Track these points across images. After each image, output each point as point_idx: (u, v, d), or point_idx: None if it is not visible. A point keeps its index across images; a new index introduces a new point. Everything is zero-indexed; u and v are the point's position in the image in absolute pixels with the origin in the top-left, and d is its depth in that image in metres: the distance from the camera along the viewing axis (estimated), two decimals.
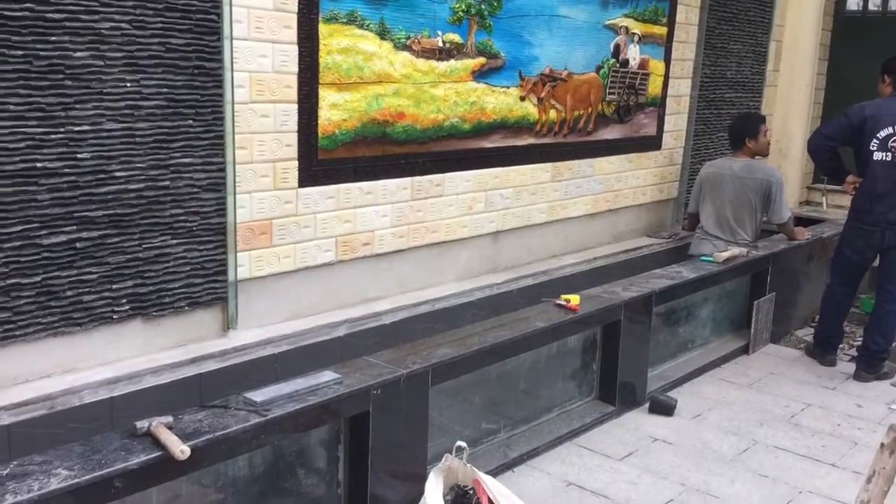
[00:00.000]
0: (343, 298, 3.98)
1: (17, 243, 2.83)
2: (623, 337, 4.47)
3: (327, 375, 3.15)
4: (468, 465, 3.06)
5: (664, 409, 4.56)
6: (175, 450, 2.51)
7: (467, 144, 4.45)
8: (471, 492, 3.02)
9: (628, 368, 4.53)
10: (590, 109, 5.22)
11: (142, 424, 2.61)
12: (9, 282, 2.83)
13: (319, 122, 3.70)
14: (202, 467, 2.74)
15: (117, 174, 3.05)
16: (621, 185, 5.66)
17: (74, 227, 2.96)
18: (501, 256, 4.88)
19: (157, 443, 2.55)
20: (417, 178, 4.23)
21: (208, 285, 3.41)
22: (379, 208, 4.07)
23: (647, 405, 4.62)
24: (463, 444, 3.03)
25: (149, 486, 2.62)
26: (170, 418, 2.67)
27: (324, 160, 3.76)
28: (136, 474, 2.48)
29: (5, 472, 2.34)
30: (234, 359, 3.42)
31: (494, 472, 3.44)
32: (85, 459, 2.45)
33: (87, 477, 2.37)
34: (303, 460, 3.28)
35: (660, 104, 5.79)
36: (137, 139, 3.08)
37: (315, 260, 3.83)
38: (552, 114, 4.94)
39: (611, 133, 5.44)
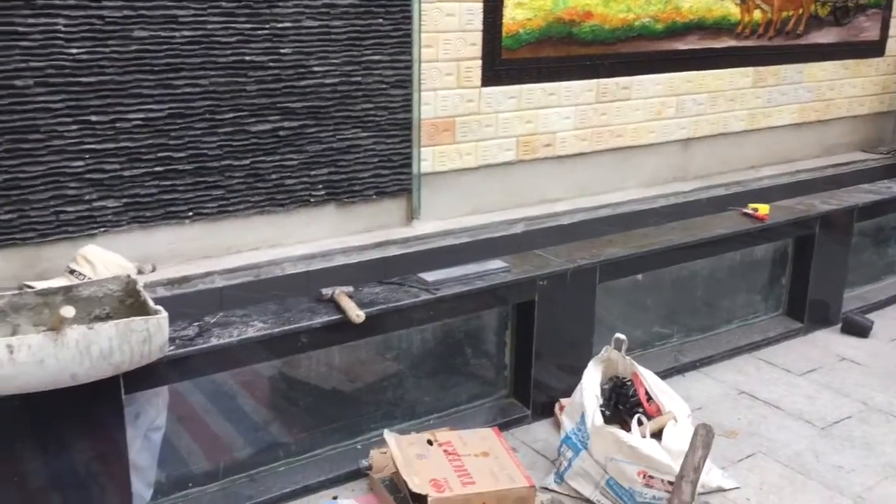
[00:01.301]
0: (522, 197, 4.10)
1: (230, 129, 3.21)
2: (817, 252, 4.25)
3: (496, 263, 3.33)
4: (627, 357, 3.13)
5: (858, 329, 4.33)
6: (352, 314, 2.81)
7: (659, 46, 4.34)
8: (628, 383, 3.10)
9: (821, 286, 4.32)
10: (800, 10, 4.86)
11: (326, 291, 2.95)
12: (223, 163, 3.23)
13: (504, 21, 3.78)
14: (375, 333, 3.04)
15: (315, 69, 3.33)
16: (834, 93, 5.25)
17: (278, 117, 3.30)
18: (691, 165, 4.76)
19: (338, 308, 2.87)
20: (603, 81, 4.21)
21: (394, 177, 3.67)
22: (561, 110, 4.11)
23: (839, 325, 4.40)
24: (622, 336, 3.10)
25: (329, 343, 2.97)
26: (350, 288, 2.98)
27: (507, 60, 3.85)
28: (319, 332, 2.82)
29: (213, 321, 2.75)
30: (416, 246, 3.67)
31: (663, 375, 3.48)
32: (277, 316, 2.82)
33: (277, 330, 2.74)
34: (472, 342, 3.52)
35: (884, 5, 5.24)
36: (333, 36, 3.34)
37: (496, 158, 3.97)
38: (756, 14, 4.66)
39: (824, 37, 5.04)
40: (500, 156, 3.98)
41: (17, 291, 2.47)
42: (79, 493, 2.44)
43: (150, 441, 2.74)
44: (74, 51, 2.81)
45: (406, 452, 2.84)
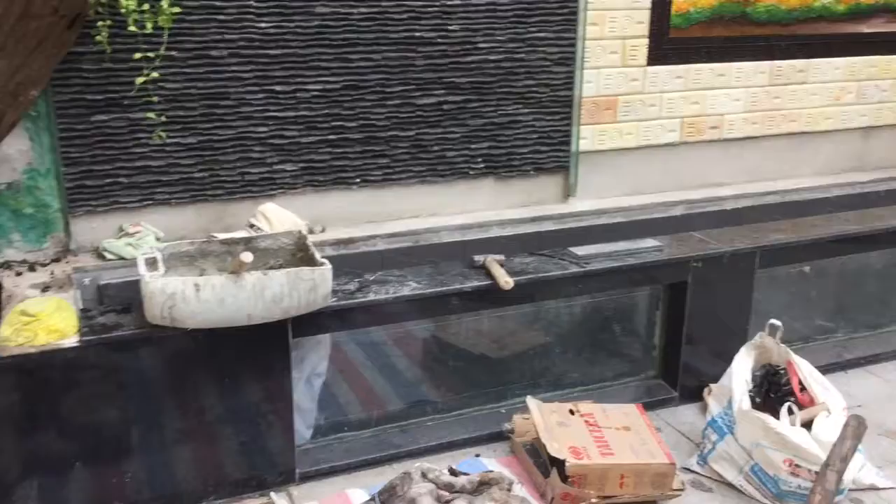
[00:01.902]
0: (683, 180, 4.04)
1: (398, 101, 3.39)
2: None
3: (648, 242, 3.32)
4: (782, 345, 3.04)
5: None
6: (501, 280, 2.92)
7: (840, 28, 4.12)
8: (782, 371, 3.02)
9: None
10: None
11: (478, 258, 3.07)
12: (390, 133, 3.42)
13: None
14: (523, 302, 3.14)
15: (481, 45, 3.45)
16: None
17: (443, 91, 3.45)
18: (871, 154, 4.49)
19: (488, 274, 2.98)
20: (777, 63, 4.06)
21: (552, 153, 3.73)
22: (731, 91, 4.01)
23: None
24: (777, 322, 3.02)
25: (478, 308, 3.10)
26: (502, 257, 3.08)
27: (675, 39, 3.80)
28: (469, 295, 2.94)
29: (372, 278, 2.94)
30: (570, 223, 3.72)
31: (823, 370, 3.34)
32: (431, 278, 2.97)
33: (430, 290, 2.89)
34: (621, 320, 3.54)
35: None
36: (499, 13, 3.44)
37: (658, 139, 3.94)
38: None
39: None
40: (663, 137, 3.95)
41: (205, 240, 2.76)
42: (248, 426, 2.70)
43: (312, 386, 2.98)
44: (264, 25, 3.08)
45: (547, 419, 2.91)
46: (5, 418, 2.36)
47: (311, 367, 2.93)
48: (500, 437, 3.09)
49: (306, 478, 2.81)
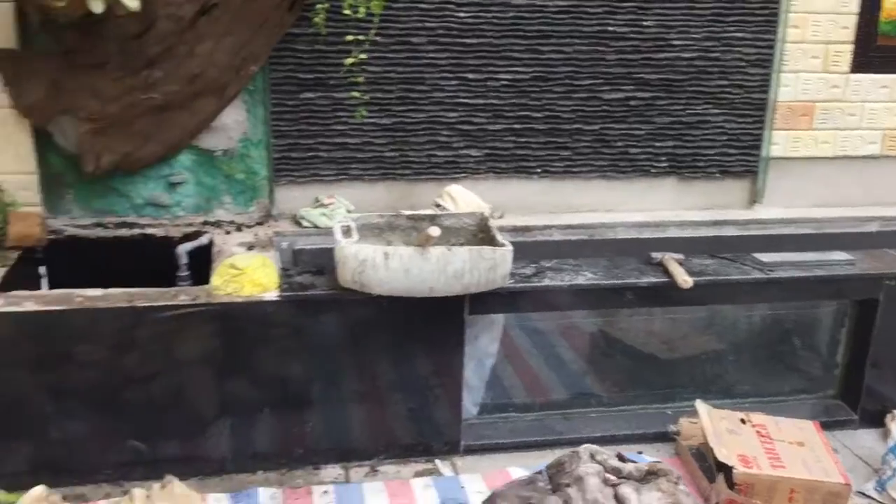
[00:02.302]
0: (881, 195, 3.81)
1: (584, 95, 3.42)
2: None
3: (838, 255, 3.17)
4: None
5: None
6: (680, 279, 2.88)
7: None
8: None
9: None
10: None
11: (656, 255, 3.04)
12: (573, 126, 3.46)
13: (884, 5, 3.53)
14: (701, 303, 3.08)
15: (674, 42, 3.42)
16: None
17: (631, 87, 3.45)
18: None
19: (666, 272, 2.96)
20: None
21: (741, 157, 3.63)
22: None
23: None
24: None
25: (653, 304, 3.07)
26: (681, 256, 3.05)
27: (882, 47, 3.59)
28: (644, 291, 2.93)
29: (548, 265, 2.99)
30: (754, 230, 3.61)
31: None
32: (607, 270, 2.98)
33: (605, 282, 2.91)
34: (802, 334, 3.39)
35: None
36: (696, 11, 3.40)
37: (856, 150, 3.74)
38: None
39: None
40: (862, 148, 3.74)
41: (393, 214, 2.91)
42: (419, 394, 2.82)
43: (483, 365, 3.06)
44: (462, 14, 3.20)
45: (717, 425, 2.85)
46: (209, 360, 2.61)
47: (483, 347, 3.02)
48: (665, 437, 3.05)
49: (470, 451, 2.90)
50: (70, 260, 3.00)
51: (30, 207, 2.94)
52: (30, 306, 2.47)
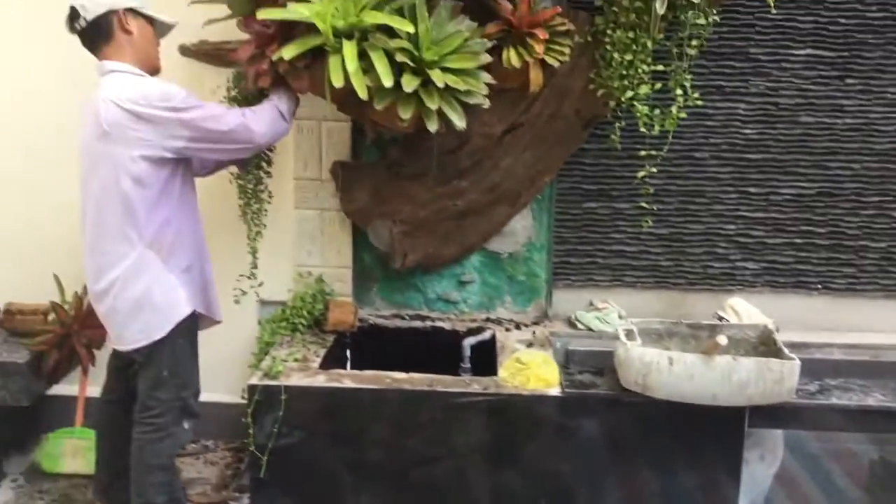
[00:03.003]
0: None
1: (872, 212, 3.35)
2: None
3: None
4: None
5: None
6: None
7: None
8: None
9: None
10: None
11: None
12: (859, 243, 3.38)
13: None
14: None
15: None
16: None
17: None
18: None
19: None
20: None
21: None
22: None
23: None
24: None
25: None
26: None
27: None
28: None
29: (833, 383, 2.91)
30: None
31: None
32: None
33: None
34: None
35: None
36: None
37: None
38: None
39: None
40: None
41: (673, 322, 2.99)
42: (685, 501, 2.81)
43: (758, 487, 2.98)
44: (748, 131, 3.30)
45: None
46: (486, 448, 2.77)
47: (768, 465, 2.95)
48: None
49: None
50: (369, 345, 3.37)
51: (343, 297, 3.37)
52: (348, 383, 2.80)
